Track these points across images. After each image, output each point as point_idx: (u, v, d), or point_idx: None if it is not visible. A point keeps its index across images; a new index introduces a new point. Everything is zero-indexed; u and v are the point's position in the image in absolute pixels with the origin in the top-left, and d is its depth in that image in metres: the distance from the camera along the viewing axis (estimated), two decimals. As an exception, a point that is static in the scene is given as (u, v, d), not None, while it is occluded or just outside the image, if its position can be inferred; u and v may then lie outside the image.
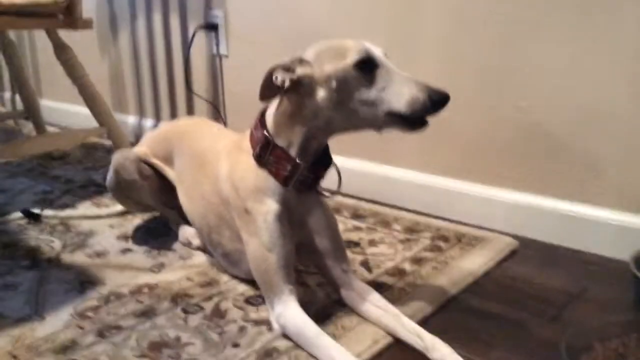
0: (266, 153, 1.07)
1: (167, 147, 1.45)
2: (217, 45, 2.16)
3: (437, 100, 0.95)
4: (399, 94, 0.95)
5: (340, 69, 0.97)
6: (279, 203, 1.07)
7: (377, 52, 1.00)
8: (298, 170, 1.06)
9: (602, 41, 1.33)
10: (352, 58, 0.97)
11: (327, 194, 1.15)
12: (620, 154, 1.36)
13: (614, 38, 1.31)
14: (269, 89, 1.03)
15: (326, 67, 0.99)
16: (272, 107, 1.08)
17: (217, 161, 1.20)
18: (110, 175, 1.46)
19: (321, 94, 0.99)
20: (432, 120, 1.59)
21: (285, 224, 1.08)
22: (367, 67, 0.97)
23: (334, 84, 0.98)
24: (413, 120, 0.98)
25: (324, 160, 1.10)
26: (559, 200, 1.46)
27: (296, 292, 1.07)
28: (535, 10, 1.40)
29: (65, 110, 2.93)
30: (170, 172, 1.44)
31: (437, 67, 1.60)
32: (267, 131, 1.07)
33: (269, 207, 1.07)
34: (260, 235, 1.07)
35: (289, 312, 1.03)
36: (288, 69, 1.00)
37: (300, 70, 1.00)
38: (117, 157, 1.46)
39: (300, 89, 1.01)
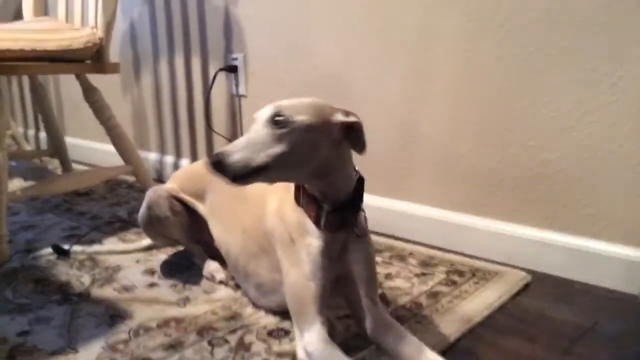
0: (300, 195, 1.14)
1: (198, 184, 1.52)
2: (237, 85, 2.25)
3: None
4: None
5: None
6: (319, 239, 1.13)
7: (260, 114, 1.04)
8: (322, 212, 1.11)
9: (606, 83, 1.39)
10: None
11: (358, 234, 1.17)
12: (627, 190, 1.40)
13: (619, 80, 1.37)
14: None
15: None
16: None
17: (263, 197, 1.26)
18: (143, 212, 1.53)
19: None
20: (443, 157, 1.65)
21: (326, 257, 1.13)
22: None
23: None
24: None
25: (351, 205, 1.13)
26: (570, 236, 1.51)
27: (327, 324, 1.12)
28: (543, 53, 1.47)
29: (87, 147, 3.03)
30: (201, 207, 1.52)
31: (450, 106, 1.67)
32: None
33: (311, 242, 1.13)
34: (302, 265, 1.12)
35: (319, 341, 1.07)
36: None
37: None
38: (150, 194, 1.53)
39: None
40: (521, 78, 1.52)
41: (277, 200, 1.22)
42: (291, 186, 1.19)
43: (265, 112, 1.02)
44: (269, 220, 1.23)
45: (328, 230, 1.12)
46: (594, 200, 1.46)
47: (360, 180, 1.14)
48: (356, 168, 1.15)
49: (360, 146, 1.07)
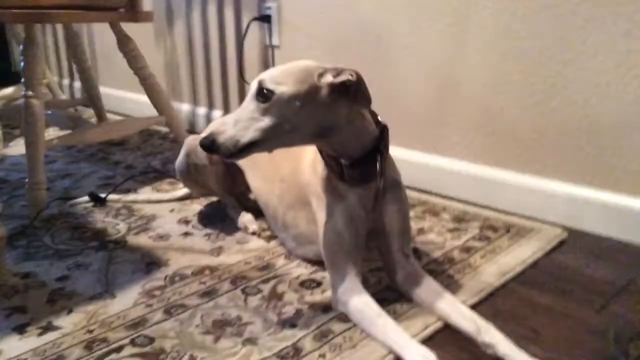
0: (321, 152, 1.14)
1: None
2: (270, 36, 2.21)
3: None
4: None
5: None
6: (349, 192, 1.13)
7: (253, 83, 1.03)
8: (341, 167, 1.10)
9: (657, 34, 1.33)
10: None
11: (380, 185, 1.14)
12: (674, 148, 1.36)
13: (670, 31, 1.31)
14: None
15: None
16: None
17: (301, 149, 1.25)
18: (181, 159, 1.54)
19: None
20: (482, 111, 1.62)
21: (359, 209, 1.13)
22: None
23: None
24: None
25: (369, 160, 1.11)
26: (608, 192, 1.47)
27: (361, 275, 1.13)
28: (590, 3, 1.40)
29: (121, 97, 3.05)
30: None
31: (490, 58, 1.62)
32: None
33: (343, 194, 1.14)
34: (336, 217, 1.13)
35: (353, 291, 1.09)
36: None
37: None
38: (189, 142, 1.54)
39: None
40: (566, 29, 1.46)
41: (312, 153, 1.22)
42: None
43: (252, 87, 1.02)
44: (305, 173, 1.23)
45: (352, 184, 1.12)
46: (636, 157, 1.41)
47: (383, 130, 1.12)
48: (378, 118, 1.13)
49: (363, 101, 1.05)
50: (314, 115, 1.02)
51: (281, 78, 1.01)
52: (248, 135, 0.99)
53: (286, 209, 1.33)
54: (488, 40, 1.61)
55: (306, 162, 1.24)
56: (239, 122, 1.00)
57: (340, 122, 1.05)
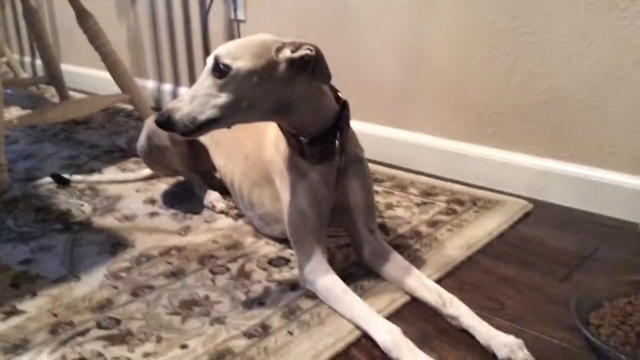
0: (283, 130, 1.12)
1: None
2: (235, 10, 2.17)
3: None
4: None
5: None
6: (310, 169, 1.12)
7: (209, 58, 1.01)
8: (302, 145, 1.09)
9: (619, 7, 1.33)
10: None
11: (341, 163, 1.13)
12: (633, 119, 1.37)
13: (631, 4, 1.32)
14: None
15: None
16: None
17: (264, 125, 1.23)
18: (142, 141, 1.51)
19: None
20: (447, 85, 1.62)
21: (322, 187, 1.13)
22: None
23: None
24: None
25: (330, 134, 1.10)
26: (573, 164, 1.49)
27: (326, 252, 1.13)
28: (553, -25, 1.41)
29: (84, 74, 2.98)
30: (202, 137, 1.49)
31: (454, 33, 1.62)
32: None
33: (305, 172, 1.13)
34: (299, 196, 1.13)
35: (319, 270, 1.09)
36: None
37: None
38: (149, 123, 1.51)
39: None
40: (529, 2, 1.46)
41: (274, 130, 1.20)
42: None
43: (208, 62, 1.00)
44: (268, 151, 1.22)
45: (313, 162, 1.11)
46: (600, 128, 1.43)
47: (343, 106, 1.10)
48: (339, 94, 1.11)
49: (323, 77, 1.03)
50: (271, 91, 1.01)
51: (238, 53, 0.99)
52: (206, 112, 0.97)
53: (251, 187, 1.32)
54: (452, 14, 1.61)
55: (269, 139, 1.22)
56: (195, 98, 0.98)
57: (299, 98, 1.03)
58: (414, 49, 1.71)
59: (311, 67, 1.00)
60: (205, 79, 0.99)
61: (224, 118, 0.99)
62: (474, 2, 1.55)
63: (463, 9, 1.58)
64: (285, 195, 1.16)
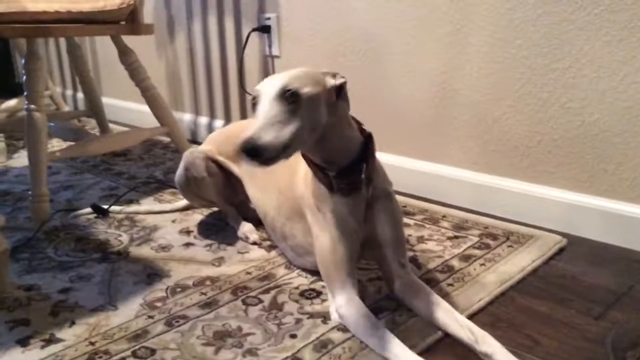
0: (309, 163, 1.15)
1: (234, 145, 1.53)
2: (270, 46, 2.23)
3: (239, 148, 0.96)
4: None
5: None
6: (339, 203, 1.14)
7: (265, 90, 1.01)
8: (329, 179, 1.12)
9: (652, 42, 1.34)
10: None
11: (368, 194, 1.16)
12: (671, 154, 1.36)
13: (665, 39, 1.32)
14: None
15: None
16: None
17: (296, 160, 1.25)
18: (180, 173, 1.56)
19: None
20: (479, 119, 1.63)
21: (351, 221, 1.14)
22: (256, 102, 1.02)
23: None
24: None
25: (355, 168, 1.12)
26: (608, 199, 1.48)
27: (357, 286, 1.14)
28: (585, 10, 1.41)
29: (124, 107, 3.07)
30: (236, 169, 1.54)
31: (487, 67, 1.63)
32: None
33: (335, 207, 1.14)
34: (329, 229, 1.14)
35: (350, 303, 1.10)
36: None
37: None
38: (187, 156, 1.55)
39: None
40: (562, 38, 1.47)
41: (304, 166, 1.22)
42: None
43: (273, 88, 1.00)
44: (299, 186, 1.25)
45: (341, 194, 1.13)
46: (634, 163, 1.42)
47: (368, 139, 1.13)
48: (364, 127, 1.15)
49: (347, 103, 1.10)
50: (324, 116, 1.05)
51: (301, 80, 1.01)
52: (284, 136, 0.97)
53: (284, 220, 1.34)
54: (485, 49, 1.63)
55: (300, 174, 1.25)
56: (270, 125, 0.97)
57: (337, 125, 1.08)
58: (446, 83, 1.73)
59: (343, 94, 1.07)
60: (271, 107, 0.98)
61: (293, 145, 0.99)
62: (507, 37, 1.57)
63: (496, 43, 1.60)
64: (315, 229, 1.18)
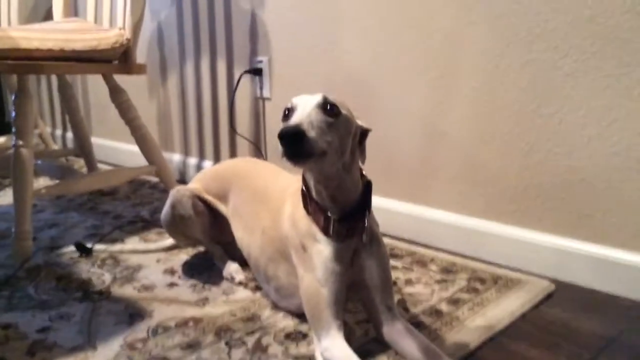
0: (307, 204, 1.14)
1: (222, 185, 1.53)
2: (261, 88, 2.25)
3: (278, 136, 0.93)
4: None
5: None
6: (329, 245, 1.13)
7: (305, 100, 1.01)
8: (330, 222, 1.11)
9: (637, 90, 1.36)
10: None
11: (365, 241, 1.15)
12: (657, 200, 1.37)
13: (649, 87, 1.34)
14: None
15: None
16: None
17: (282, 200, 1.26)
18: (166, 210, 1.54)
19: None
20: (467, 162, 1.63)
21: (338, 264, 1.12)
22: (289, 114, 1.02)
23: None
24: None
25: (357, 213, 1.13)
26: (596, 244, 1.48)
27: (343, 329, 1.11)
28: (571, 58, 1.44)
29: (113, 148, 3.07)
30: (223, 208, 1.52)
31: (475, 111, 1.65)
32: (305, 184, 1.14)
33: (322, 248, 1.13)
34: (315, 271, 1.12)
35: (336, 346, 1.07)
36: None
37: None
38: (174, 194, 1.54)
39: None
40: (549, 83, 1.50)
41: (291, 205, 1.22)
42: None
43: (313, 99, 1.01)
44: (284, 226, 1.23)
45: (337, 240, 1.12)
46: (621, 209, 1.43)
47: (368, 185, 1.14)
48: (363, 173, 1.15)
49: (364, 155, 1.13)
50: (350, 147, 1.05)
51: (339, 101, 1.02)
52: (327, 140, 0.96)
53: (267, 261, 1.32)
54: (473, 93, 1.65)
55: (285, 214, 1.23)
56: (314, 126, 0.95)
57: (352, 166, 1.09)
58: (435, 126, 1.75)
59: (363, 143, 1.10)
60: (316, 113, 0.97)
61: (329, 154, 0.98)
62: (494, 81, 1.59)
63: (484, 88, 1.62)
64: (301, 270, 1.16)
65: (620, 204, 1.42)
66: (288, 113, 1.02)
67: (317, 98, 1.01)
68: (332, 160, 1.00)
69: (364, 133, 1.11)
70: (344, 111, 1.02)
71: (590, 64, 1.42)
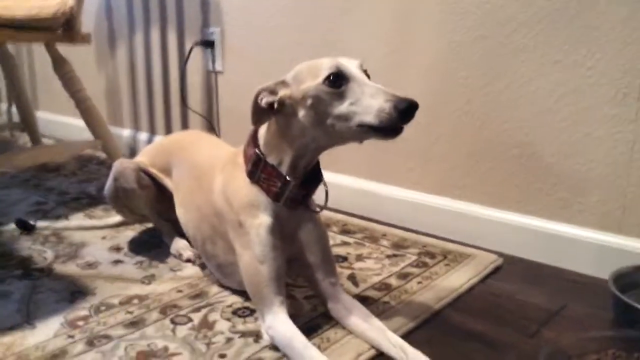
0: (257, 170, 1.10)
1: (166, 158, 1.48)
2: (213, 61, 2.20)
3: (402, 109, 0.96)
4: (368, 106, 0.96)
5: (312, 87, 1.00)
6: (271, 217, 1.10)
7: (351, 66, 1.01)
8: (288, 187, 1.08)
9: (585, 66, 1.37)
10: (322, 75, 0.99)
11: (316, 209, 1.17)
12: (600, 175, 1.39)
13: (597, 63, 1.35)
14: (258, 113, 1.05)
15: (302, 86, 1.02)
16: (264, 126, 1.12)
17: (212, 174, 1.23)
18: (109, 183, 1.49)
19: (301, 112, 1.02)
20: (420, 139, 1.63)
21: (277, 238, 1.10)
22: (338, 81, 0.98)
23: (309, 101, 1.00)
24: (384, 130, 0.98)
25: (314, 178, 1.13)
26: (542, 219, 1.50)
27: (286, 304, 1.10)
28: (521, 33, 1.44)
29: (61, 122, 2.96)
30: (168, 182, 1.47)
31: (426, 87, 1.64)
32: (259, 149, 1.10)
33: (262, 221, 1.10)
34: (253, 247, 1.09)
35: (279, 323, 1.05)
36: (271, 91, 1.04)
37: (281, 92, 1.03)
38: (117, 166, 1.48)
39: (285, 109, 1.04)
40: (499, 59, 1.50)
41: (221, 179, 1.19)
42: (238, 160, 1.16)
43: (353, 62, 1.03)
44: (216, 198, 1.19)
45: (288, 206, 1.10)
46: (568, 184, 1.45)
47: None
48: None
49: None
50: None
51: None
52: None
53: (205, 239, 1.27)
54: (424, 69, 1.64)
55: (216, 189, 1.20)
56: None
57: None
58: (387, 103, 1.73)
59: None
60: (373, 84, 1.00)
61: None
62: (447, 58, 1.59)
63: (434, 65, 1.61)
64: (238, 247, 1.13)
65: (568, 179, 1.44)
66: (335, 79, 0.98)
67: (356, 62, 1.03)
68: None
69: None
70: None
71: (539, 39, 1.42)
